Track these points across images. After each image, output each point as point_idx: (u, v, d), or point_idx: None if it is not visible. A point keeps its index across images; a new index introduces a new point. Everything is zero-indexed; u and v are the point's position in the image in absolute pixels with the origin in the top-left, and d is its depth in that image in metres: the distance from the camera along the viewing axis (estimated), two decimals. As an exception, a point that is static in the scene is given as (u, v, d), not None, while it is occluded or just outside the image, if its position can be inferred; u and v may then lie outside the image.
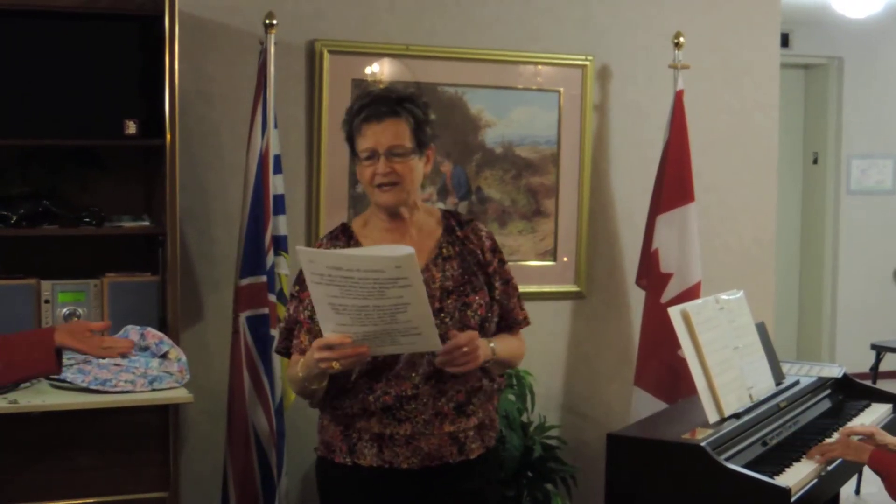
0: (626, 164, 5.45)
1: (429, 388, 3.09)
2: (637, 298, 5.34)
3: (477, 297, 3.16)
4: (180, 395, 3.98)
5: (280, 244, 4.51)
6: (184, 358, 4.08)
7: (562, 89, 5.29)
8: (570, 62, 5.30)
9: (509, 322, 3.31)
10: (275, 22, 4.52)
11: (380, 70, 4.98)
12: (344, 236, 3.23)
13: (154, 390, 3.94)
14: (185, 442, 4.31)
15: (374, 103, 3.11)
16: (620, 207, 5.45)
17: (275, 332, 4.39)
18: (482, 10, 5.14)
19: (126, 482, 3.96)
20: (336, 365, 2.92)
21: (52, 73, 4.24)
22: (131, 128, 4.30)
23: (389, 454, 3.10)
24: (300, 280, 3.15)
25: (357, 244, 3.19)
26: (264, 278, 4.41)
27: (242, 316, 4.42)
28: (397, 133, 3.09)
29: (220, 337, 4.67)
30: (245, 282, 4.42)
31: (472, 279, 3.17)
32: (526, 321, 3.36)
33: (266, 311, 4.40)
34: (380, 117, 3.09)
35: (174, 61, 4.23)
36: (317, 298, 2.89)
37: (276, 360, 4.42)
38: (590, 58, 5.33)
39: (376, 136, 3.08)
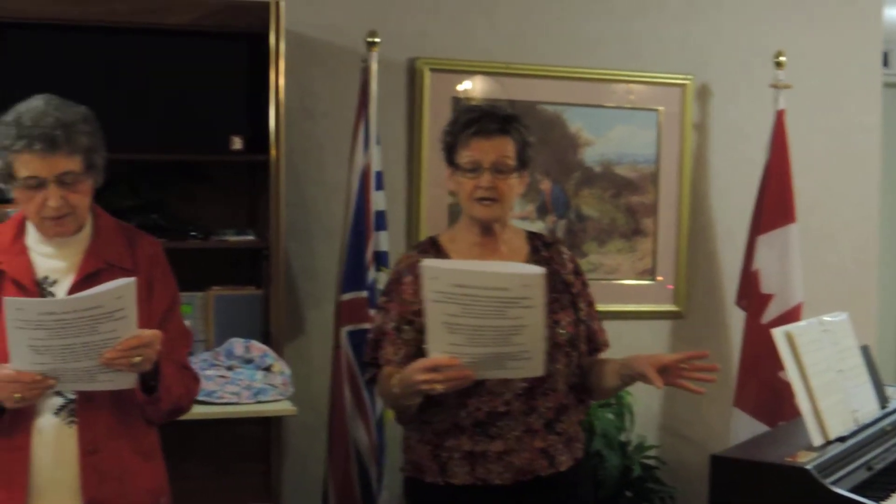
0: (725, 183, 5.41)
1: (520, 405, 3.09)
2: (737, 319, 5.29)
3: (564, 316, 3.16)
4: (284, 407, 4.03)
5: (381, 260, 4.55)
6: (287, 371, 4.13)
7: (661, 108, 5.28)
8: (670, 81, 5.29)
9: (596, 345, 3.30)
10: (377, 40, 4.57)
11: (472, 87, 5.00)
12: (433, 249, 3.24)
13: (258, 402, 4.00)
14: (286, 454, 4.36)
15: (484, 119, 3.12)
16: (720, 227, 5.42)
17: (376, 347, 4.43)
18: (583, 29, 5.15)
19: (229, 492, 4.02)
20: (440, 387, 2.88)
21: (161, 89, 4.33)
22: (237, 143, 4.37)
23: (482, 471, 3.09)
24: (388, 291, 3.19)
25: (445, 258, 3.19)
26: (366, 293, 4.45)
27: (344, 330, 4.46)
28: (504, 150, 3.11)
29: (321, 351, 4.71)
30: (347, 297, 4.47)
31: (559, 297, 3.17)
32: (607, 344, 3.35)
33: (367, 326, 4.42)
34: (489, 133, 3.10)
35: (280, 78, 4.30)
36: (432, 317, 2.84)
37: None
38: (689, 77, 5.31)
39: (483, 150, 3.09)
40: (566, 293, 3.22)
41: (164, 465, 3.05)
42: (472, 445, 3.09)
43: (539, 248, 3.28)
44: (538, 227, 5.03)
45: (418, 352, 3.06)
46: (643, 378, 3.03)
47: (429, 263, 2.86)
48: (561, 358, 3.12)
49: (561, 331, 3.13)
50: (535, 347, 2.86)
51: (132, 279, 2.67)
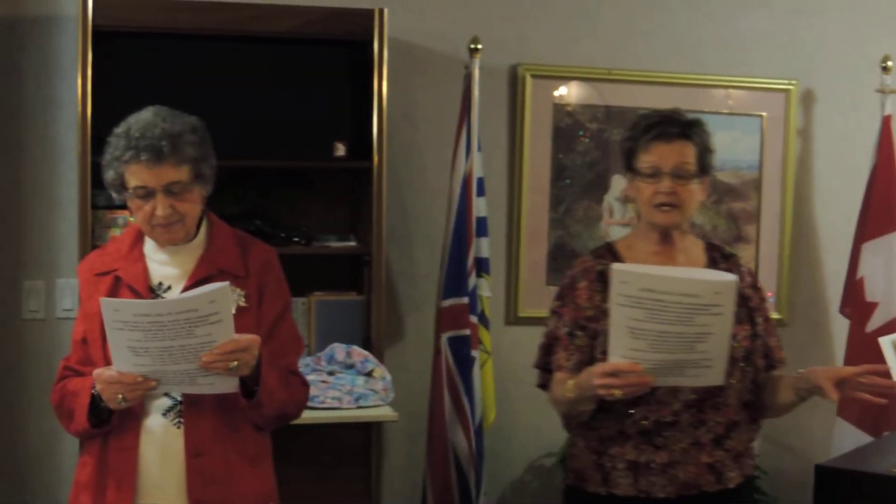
0: (830, 190, 5.34)
1: (688, 417, 3.02)
2: (840, 327, 5.22)
3: (741, 330, 3.07)
4: (385, 413, 4.06)
5: (482, 266, 4.55)
6: (388, 376, 4.16)
7: (765, 114, 5.22)
8: (774, 86, 5.23)
9: (772, 361, 3.20)
10: (479, 46, 4.58)
11: (568, 93, 4.99)
12: (609, 255, 3.16)
13: (359, 408, 4.03)
14: (385, 459, 4.38)
15: (665, 123, 3.06)
16: (824, 234, 5.34)
17: (475, 354, 4.44)
18: (687, 34, 5.11)
19: (329, 497, 4.06)
20: (618, 393, 2.82)
21: (265, 96, 4.38)
22: (340, 150, 4.40)
23: (645, 483, 3.03)
24: (561, 295, 3.14)
25: (620, 262, 3.09)
26: (466, 300, 4.46)
27: (444, 336, 4.48)
28: (685, 155, 3.04)
29: (421, 356, 4.74)
30: (447, 303, 4.49)
31: (736, 311, 2.98)
32: (783, 361, 3.23)
33: (467, 332, 4.45)
34: (669, 138, 3.03)
35: (382, 85, 4.33)
36: (616, 320, 2.78)
37: (477, 380, 4.47)
38: (794, 82, 5.25)
39: (663, 155, 3.03)
40: (743, 307, 3.11)
41: (272, 470, 3.08)
42: (636, 455, 3.04)
43: (717, 260, 3.21)
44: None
45: (591, 359, 3.04)
46: (819, 391, 2.95)
47: (619, 267, 2.81)
48: (735, 373, 3.03)
49: (737, 344, 3.03)
50: (719, 356, 2.82)
51: (225, 284, 2.71)
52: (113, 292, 2.90)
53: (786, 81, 5.23)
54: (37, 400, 4.37)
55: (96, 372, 2.79)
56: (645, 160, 3.05)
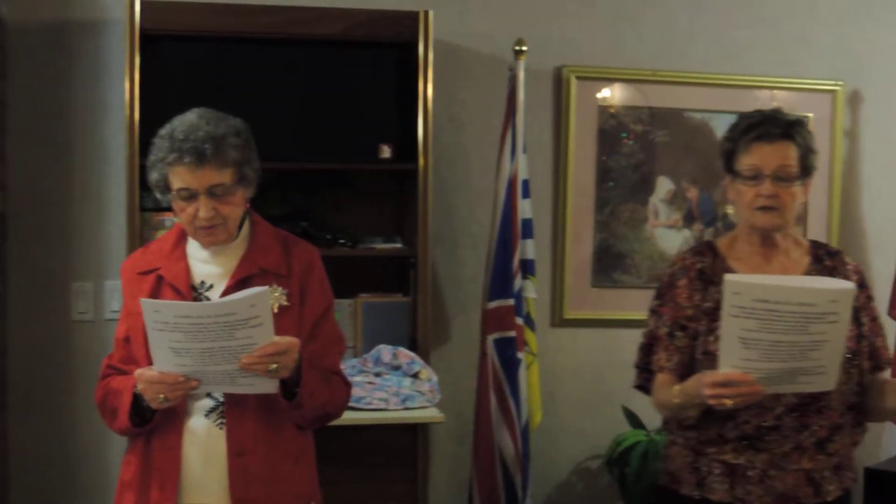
0: (877, 191, 5.30)
1: (791, 421, 2.95)
2: (888, 330, 5.16)
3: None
4: (432, 414, 4.06)
5: (528, 268, 4.54)
6: (434, 378, 4.16)
7: (811, 115, 5.18)
8: (820, 87, 5.19)
9: (878, 362, 3.10)
10: (524, 48, 4.58)
11: (612, 94, 4.98)
12: (710, 254, 3.12)
13: (406, 409, 4.03)
14: (431, 460, 4.38)
15: (766, 123, 3.00)
16: (872, 236, 5.30)
17: (521, 355, 4.44)
18: (733, 36, 5.08)
19: (375, 498, 4.07)
20: (729, 402, 2.77)
21: (311, 99, 4.39)
22: (385, 152, 4.40)
23: (741, 491, 2.97)
24: (661, 294, 3.11)
25: (722, 263, 3.07)
26: (512, 301, 4.45)
27: (490, 338, 4.48)
28: (786, 156, 2.97)
29: (466, 358, 4.74)
30: (493, 304, 4.48)
31: None
32: (890, 363, 3.14)
33: (513, 334, 4.44)
34: (771, 138, 2.97)
35: (428, 87, 4.33)
36: (727, 331, 2.73)
37: (523, 382, 4.46)
38: (840, 83, 5.21)
39: (765, 157, 2.96)
40: None
41: (315, 469, 3.08)
42: (734, 457, 2.98)
43: (822, 258, 3.13)
44: (685, 235, 5.00)
45: (691, 359, 3.01)
46: None
47: (732, 278, 2.73)
48: (840, 375, 2.91)
49: None
50: (832, 362, 2.76)
51: (265, 288, 2.71)
52: (155, 291, 2.92)
53: (832, 82, 5.19)
54: (86, 399, 4.37)
55: (138, 371, 2.81)
56: (745, 162, 2.99)
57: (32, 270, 4.53)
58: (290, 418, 2.94)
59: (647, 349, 3.14)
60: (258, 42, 4.38)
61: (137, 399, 2.83)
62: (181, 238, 3.01)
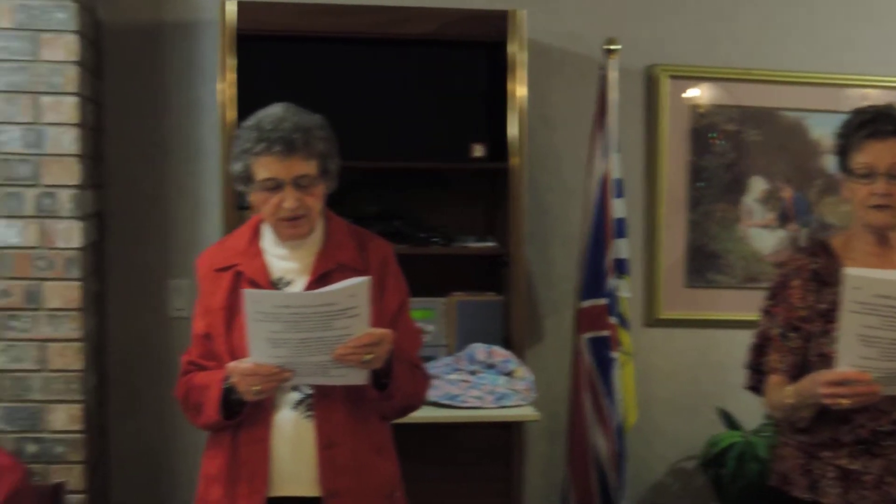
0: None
1: None
2: None
3: None
4: (527, 412, 4.05)
5: (621, 267, 4.51)
6: (530, 376, 4.15)
7: (908, 114, 5.10)
8: (918, 85, 5.11)
9: None
10: (616, 47, 4.54)
11: (703, 94, 4.93)
12: (823, 253, 3.07)
13: (501, 407, 4.02)
14: (525, 459, 4.37)
15: (878, 120, 2.94)
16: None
17: (615, 355, 4.41)
18: (826, 34, 5.01)
19: (470, 495, 4.07)
20: (845, 402, 2.73)
21: (403, 98, 4.42)
22: (478, 151, 4.41)
23: (855, 496, 2.91)
24: (773, 294, 3.07)
25: (837, 263, 3.01)
26: (605, 301, 4.43)
27: (584, 338, 4.46)
28: None
29: (559, 357, 4.73)
30: (586, 304, 4.47)
31: None
32: None
33: (607, 333, 4.41)
34: (883, 136, 2.92)
35: (520, 87, 4.33)
36: (846, 328, 2.69)
37: (617, 381, 4.43)
38: (936, 81, 5.13)
39: (877, 154, 2.91)
40: None
41: (397, 460, 3.09)
42: (849, 462, 2.93)
43: None
44: (779, 235, 4.94)
45: (804, 361, 2.97)
46: None
47: (853, 272, 2.70)
48: None
49: None
50: None
51: (367, 278, 2.73)
52: (234, 287, 2.93)
53: (928, 80, 5.11)
54: (183, 396, 4.45)
55: (231, 365, 2.83)
56: (858, 160, 2.94)
57: (130, 268, 4.59)
58: (377, 409, 2.96)
59: (759, 350, 3.09)
60: (350, 42, 4.40)
61: (226, 393, 2.86)
62: (256, 234, 3.03)
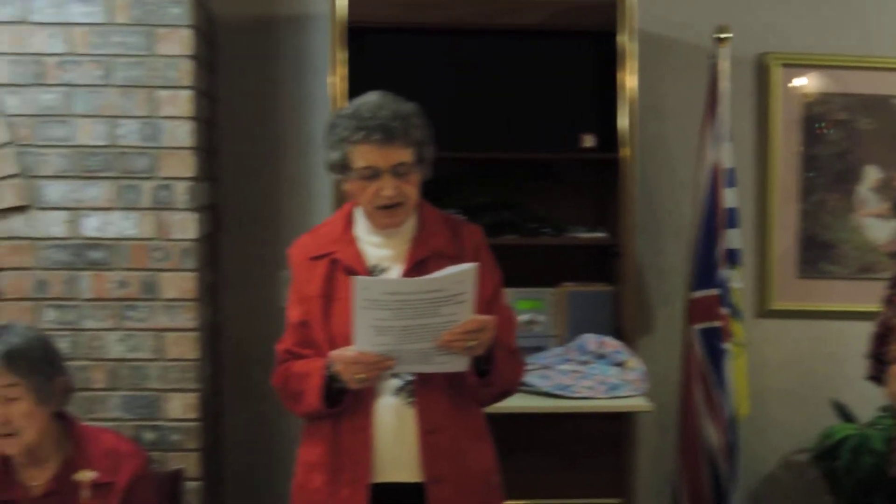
0: None
1: None
2: None
3: None
4: (640, 403, 4.03)
5: (733, 257, 4.47)
6: (642, 367, 4.13)
7: None
8: None
9: None
10: (727, 35, 4.50)
11: (815, 82, 4.86)
12: None
13: (613, 398, 4.01)
14: (636, 450, 4.36)
15: None
16: None
17: (727, 346, 4.37)
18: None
19: (581, 486, 4.07)
20: None
21: (512, 89, 4.42)
22: (588, 142, 4.40)
23: None
24: (894, 283, 3.06)
25: None
26: (717, 291, 4.39)
27: (695, 329, 4.43)
28: None
29: (670, 348, 4.70)
30: (698, 294, 4.43)
31: None
32: None
33: (719, 324, 4.38)
34: None
35: (630, 77, 4.31)
36: None
37: (729, 372, 4.39)
38: None
39: None
40: None
41: (493, 445, 3.09)
42: None
43: None
44: (894, 224, 4.86)
45: None
46: None
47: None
48: None
49: None
50: None
51: (474, 265, 2.75)
52: (330, 275, 2.96)
53: None
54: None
55: (335, 353, 2.85)
56: None
57: (243, 259, 4.67)
58: (475, 396, 2.97)
59: (881, 339, 3.07)
60: (460, 33, 4.42)
61: (327, 381, 2.88)
62: (349, 222, 3.05)
